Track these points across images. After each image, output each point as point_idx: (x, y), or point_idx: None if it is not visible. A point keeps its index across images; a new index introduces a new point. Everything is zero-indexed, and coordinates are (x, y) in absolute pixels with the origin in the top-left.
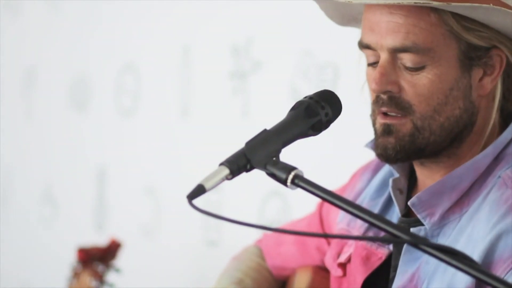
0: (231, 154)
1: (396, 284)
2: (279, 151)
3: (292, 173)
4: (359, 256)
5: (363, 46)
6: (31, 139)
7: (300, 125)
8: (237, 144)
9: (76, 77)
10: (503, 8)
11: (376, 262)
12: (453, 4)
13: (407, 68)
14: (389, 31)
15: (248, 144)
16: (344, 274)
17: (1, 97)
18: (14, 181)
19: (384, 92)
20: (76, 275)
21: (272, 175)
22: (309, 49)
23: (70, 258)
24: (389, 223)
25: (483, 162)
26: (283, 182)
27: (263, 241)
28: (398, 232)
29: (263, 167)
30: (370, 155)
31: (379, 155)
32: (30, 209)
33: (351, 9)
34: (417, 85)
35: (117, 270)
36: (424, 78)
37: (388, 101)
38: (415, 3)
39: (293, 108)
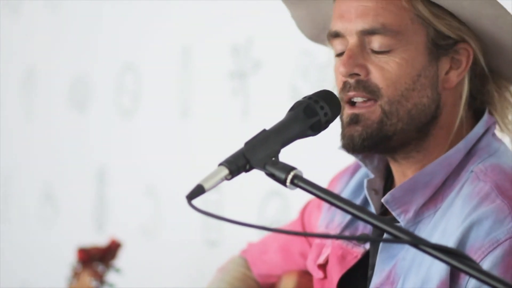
0: (230, 154)
1: (374, 282)
2: (278, 151)
3: (291, 173)
4: (335, 256)
5: (332, 35)
6: (31, 139)
7: (299, 125)
8: (237, 144)
9: (76, 77)
10: None
11: (351, 261)
12: None
13: (375, 52)
14: (359, 15)
15: (247, 144)
16: (325, 276)
17: (1, 97)
18: (14, 181)
19: (352, 76)
20: (76, 275)
21: (271, 175)
22: (309, 49)
23: (70, 258)
24: (389, 223)
25: (455, 158)
26: (282, 182)
27: (248, 251)
28: (398, 233)
29: (262, 167)
30: None
31: (344, 146)
32: (30, 209)
33: (322, 13)
34: (385, 69)
35: (117, 270)
36: (391, 62)
37: (356, 84)
38: None
39: (292, 108)
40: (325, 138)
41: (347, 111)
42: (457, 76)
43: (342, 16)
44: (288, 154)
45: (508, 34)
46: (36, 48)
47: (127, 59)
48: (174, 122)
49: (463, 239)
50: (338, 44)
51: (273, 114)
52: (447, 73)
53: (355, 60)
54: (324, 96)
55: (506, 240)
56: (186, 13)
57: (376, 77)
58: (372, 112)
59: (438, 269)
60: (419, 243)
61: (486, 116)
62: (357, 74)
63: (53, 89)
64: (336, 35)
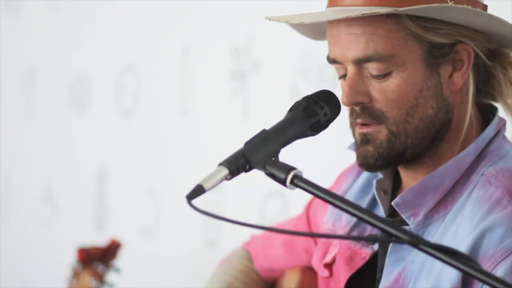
0: (230, 154)
1: (382, 285)
2: (278, 151)
3: (291, 173)
4: (343, 256)
5: (330, 61)
6: (31, 139)
7: (299, 125)
8: (237, 144)
9: (76, 77)
10: (453, 5)
11: (359, 262)
12: (401, 8)
13: (374, 77)
14: (350, 43)
15: (247, 144)
16: (331, 275)
17: (1, 97)
18: (14, 181)
19: (356, 104)
20: (76, 275)
21: (271, 175)
22: (309, 49)
23: (70, 258)
24: (389, 223)
25: (465, 160)
26: (282, 182)
27: (251, 243)
28: (398, 233)
29: (262, 167)
30: None
31: (360, 165)
32: (30, 209)
33: (319, 25)
34: (386, 92)
35: (117, 270)
36: (391, 84)
37: (361, 111)
38: (362, 14)
39: (291, 109)
40: (325, 138)
41: (357, 130)
42: (461, 77)
43: (335, 43)
44: (288, 154)
45: (506, 28)
46: (36, 48)
47: (127, 59)
48: (174, 122)
49: (475, 246)
50: (339, 69)
51: (273, 114)
52: (450, 76)
53: (356, 89)
54: (324, 96)
55: None
56: (186, 13)
57: (379, 102)
58: (378, 131)
59: (449, 276)
60: (418, 243)
61: (496, 118)
62: (361, 102)
63: (53, 89)
64: (334, 61)
